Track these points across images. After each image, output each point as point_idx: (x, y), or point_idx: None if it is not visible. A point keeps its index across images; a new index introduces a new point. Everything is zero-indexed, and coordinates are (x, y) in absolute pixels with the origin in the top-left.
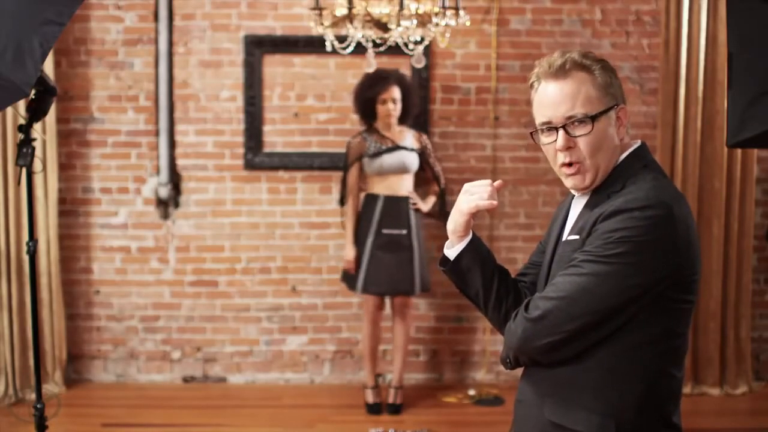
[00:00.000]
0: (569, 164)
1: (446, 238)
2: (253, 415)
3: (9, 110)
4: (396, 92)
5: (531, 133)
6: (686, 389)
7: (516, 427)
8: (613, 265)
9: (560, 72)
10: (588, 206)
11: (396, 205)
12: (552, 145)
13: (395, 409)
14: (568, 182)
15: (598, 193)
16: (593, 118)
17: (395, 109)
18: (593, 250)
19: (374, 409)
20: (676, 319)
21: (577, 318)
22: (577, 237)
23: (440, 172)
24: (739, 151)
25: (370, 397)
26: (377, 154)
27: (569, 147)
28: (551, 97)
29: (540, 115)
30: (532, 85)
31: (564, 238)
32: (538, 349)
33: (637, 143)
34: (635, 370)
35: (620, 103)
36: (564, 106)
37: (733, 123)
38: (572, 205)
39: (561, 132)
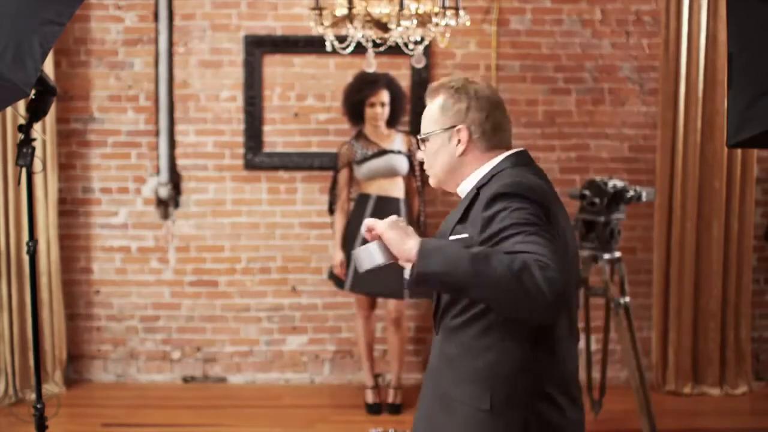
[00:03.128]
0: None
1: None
2: (253, 415)
3: (9, 110)
4: (384, 96)
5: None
6: (686, 389)
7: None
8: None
9: (427, 96)
10: (463, 202)
11: (387, 206)
12: None
13: (395, 409)
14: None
15: (469, 190)
16: (423, 140)
17: (383, 112)
18: (501, 230)
19: (374, 409)
20: None
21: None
22: (465, 234)
23: (422, 191)
24: (739, 151)
25: (369, 397)
26: (364, 159)
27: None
28: None
29: None
30: None
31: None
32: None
33: (512, 151)
34: (510, 342)
35: (459, 124)
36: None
37: (733, 123)
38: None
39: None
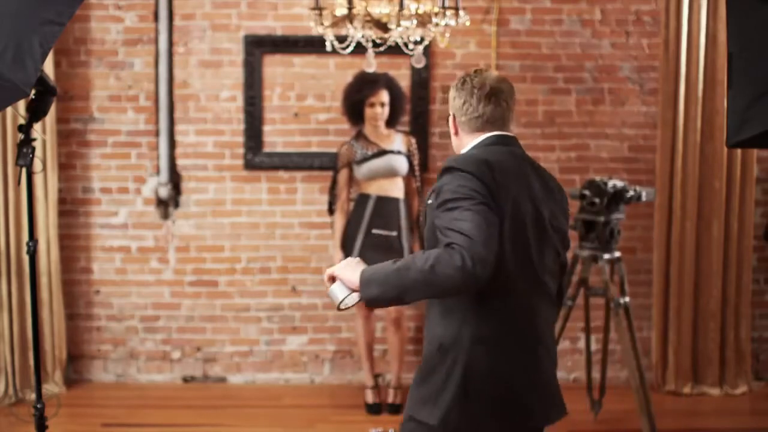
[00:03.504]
0: None
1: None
2: (253, 415)
3: (9, 110)
4: (384, 96)
5: None
6: (686, 389)
7: None
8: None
9: None
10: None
11: (387, 207)
12: None
13: (395, 409)
14: None
15: None
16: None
17: (383, 112)
18: (444, 202)
19: (374, 409)
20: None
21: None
22: (430, 201)
23: (422, 191)
24: (738, 151)
25: (369, 397)
26: (364, 160)
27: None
28: None
29: None
30: None
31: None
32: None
33: (493, 133)
34: (458, 305)
35: (451, 113)
36: None
37: (732, 123)
38: None
39: None
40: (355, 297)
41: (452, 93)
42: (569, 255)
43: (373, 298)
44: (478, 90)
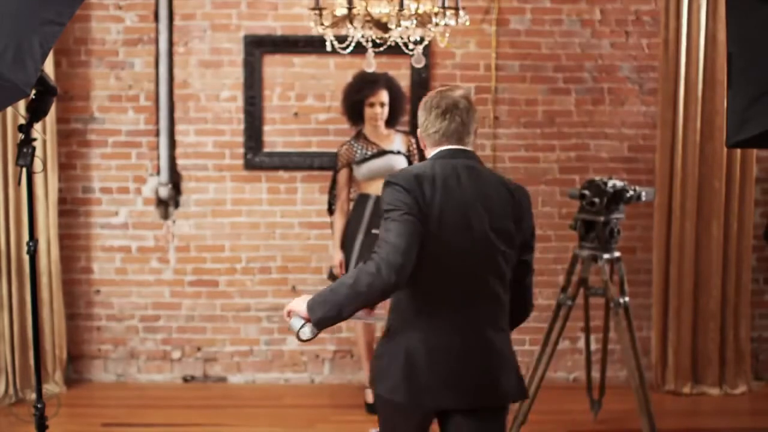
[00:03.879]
0: None
1: None
2: (253, 415)
3: (9, 110)
4: (384, 96)
5: None
6: (685, 389)
7: None
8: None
9: None
10: None
11: None
12: None
13: None
14: None
15: None
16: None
17: (383, 112)
18: (382, 213)
19: (374, 409)
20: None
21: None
22: None
23: None
24: (738, 151)
25: (369, 397)
26: (364, 160)
27: None
28: None
29: None
30: None
31: None
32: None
33: (443, 147)
34: (400, 296)
35: (419, 129)
36: None
37: (732, 123)
38: None
39: None
40: (309, 326)
41: (419, 112)
42: (574, 254)
43: (319, 320)
44: (435, 108)
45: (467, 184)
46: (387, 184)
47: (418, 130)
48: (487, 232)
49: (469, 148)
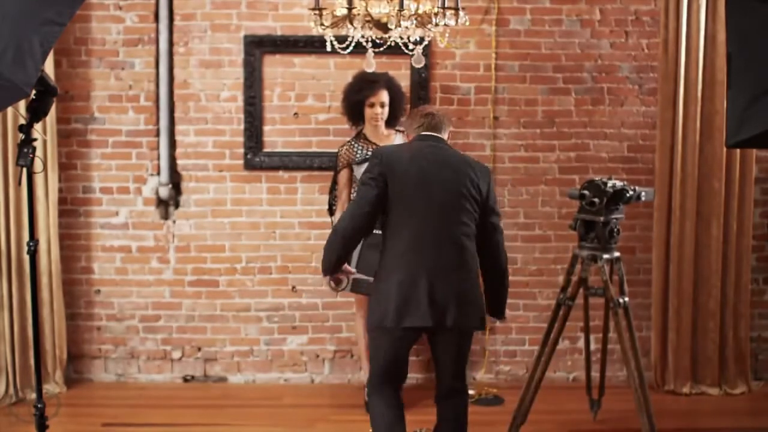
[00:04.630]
0: None
1: None
2: (253, 415)
3: (9, 110)
4: (384, 96)
5: None
6: (685, 389)
7: None
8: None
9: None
10: None
11: None
12: None
13: None
14: None
15: None
16: None
17: (383, 112)
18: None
19: None
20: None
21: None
22: None
23: None
24: (738, 151)
25: None
26: (365, 160)
27: None
28: None
29: None
30: None
31: None
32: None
33: (421, 134)
34: (378, 247)
35: (405, 131)
36: None
37: (732, 123)
38: None
39: None
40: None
41: (405, 121)
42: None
43: (324, 270)
44: (418, 114)
45: (432, 157)
46: (371, 155)
47: (405, 130)
48: (450, 191)
49: (441, 137)
